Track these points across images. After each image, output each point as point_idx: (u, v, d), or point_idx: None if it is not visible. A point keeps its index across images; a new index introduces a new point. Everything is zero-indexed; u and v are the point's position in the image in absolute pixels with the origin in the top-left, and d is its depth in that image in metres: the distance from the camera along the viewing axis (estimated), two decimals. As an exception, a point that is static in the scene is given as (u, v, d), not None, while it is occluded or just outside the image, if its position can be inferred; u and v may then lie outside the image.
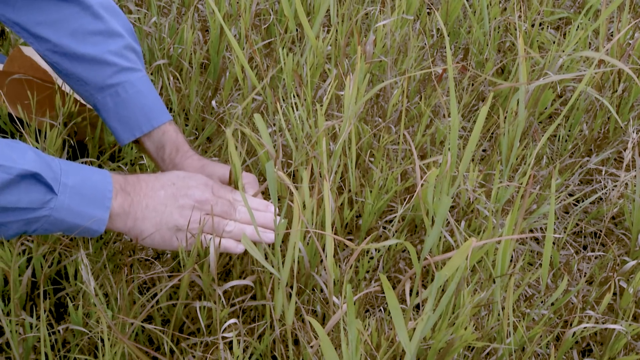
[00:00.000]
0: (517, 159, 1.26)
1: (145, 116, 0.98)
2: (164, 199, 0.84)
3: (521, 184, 1.08)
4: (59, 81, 1.08)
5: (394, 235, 1.12)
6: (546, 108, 1.51)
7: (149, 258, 1.05)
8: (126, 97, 0.97)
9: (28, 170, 0.72)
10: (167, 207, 0.84)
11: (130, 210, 0.82)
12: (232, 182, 0.95)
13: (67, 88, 1.09)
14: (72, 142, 1.12)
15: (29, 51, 1.10)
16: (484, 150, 1.44)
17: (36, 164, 0.73)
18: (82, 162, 1.11)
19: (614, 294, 1.10)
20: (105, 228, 0.80)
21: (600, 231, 1.30)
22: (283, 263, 0.83)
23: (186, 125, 1.32)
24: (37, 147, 1.00)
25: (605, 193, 1.36)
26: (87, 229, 0.78)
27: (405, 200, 1.18)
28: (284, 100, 1.25)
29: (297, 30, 1.50)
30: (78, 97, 1.10)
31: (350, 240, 1.15)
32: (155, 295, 0.97)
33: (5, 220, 0.73)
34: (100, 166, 1.14)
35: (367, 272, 1.09)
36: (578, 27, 1.63)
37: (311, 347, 0.84)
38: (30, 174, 0.72)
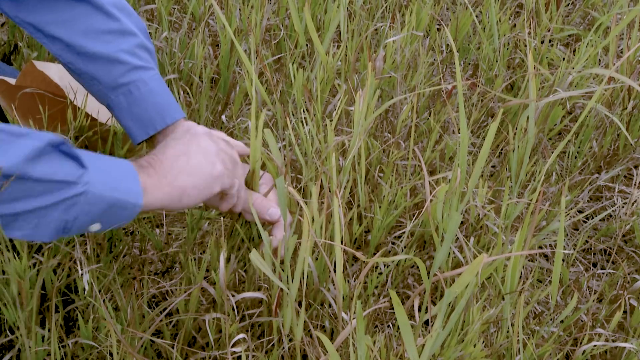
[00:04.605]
0: (526, 175, 1.26)
1: (158, 114, 0.98)
2: (184, 159, 0.86)
3: (531, 200, 1.08)
4: (71, 95, 1.09)
5: (402, 250, 1.12)
6: (556, 125, 1.51)
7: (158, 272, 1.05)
8: (139, 95, 0.97)
9: (55, 140, 0.70)
10: (190, 159, 0.85)
11: (160, 177, 0.82)
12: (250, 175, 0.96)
13: (78, 102, 1.09)
14: (83, 155, 1.13)
15: (42, 66, 1.11)
16: (493, 167, 1.44)
17: (57, 137, 0.71)
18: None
19: (624, 312, 1.09)
20: (144, 203, 0.78)
21: (610, 248, 1.30)
22: (292, 278, 0.83)
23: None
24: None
25: (615, 210, 1.35)
26: (126, 204, 0.76)
27: (414, 216, 1.18)
28: (293, 115, 1.26)
29: (307, 45, 1.51)
30: (89, 112, 1.11)
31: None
32: (165, 309, 0.97)
33: (45, 204, 0.70)
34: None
35: (376, 287, 1.08)
36: (588, 44, 1.63)
37: (320, 362, 0.84)
38: (60, 142, 0.70)
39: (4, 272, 0.91)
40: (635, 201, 1.31)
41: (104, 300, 0.89)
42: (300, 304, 0.91)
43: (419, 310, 0.94)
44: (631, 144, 1.44)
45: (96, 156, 0.76)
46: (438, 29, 1.78)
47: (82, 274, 0.88)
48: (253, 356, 0.91)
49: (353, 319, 0.83)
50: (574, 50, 1.83)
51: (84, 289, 0.95)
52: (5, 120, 1.12)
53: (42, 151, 0.69)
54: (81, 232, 0.76)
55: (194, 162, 0.85)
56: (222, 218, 1.06)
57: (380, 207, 1.10)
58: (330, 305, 1.00)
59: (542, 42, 1.74)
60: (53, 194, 0.70)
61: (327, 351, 0.74)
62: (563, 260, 1.23)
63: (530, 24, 1.70)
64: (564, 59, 1.67)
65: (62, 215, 0.72)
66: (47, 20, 0.95)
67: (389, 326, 1.07)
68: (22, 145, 0.68)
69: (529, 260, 1.23)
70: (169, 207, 0.84)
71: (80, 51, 0.96)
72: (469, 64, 1.72)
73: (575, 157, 1.46)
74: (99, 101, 1.01)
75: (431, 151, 1.28)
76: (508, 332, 0.92)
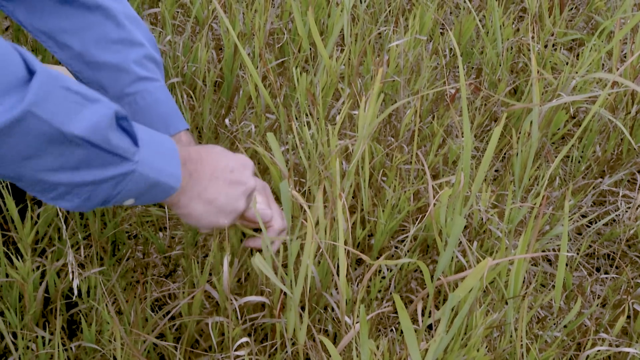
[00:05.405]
0: (530, 179, 1.26)
1: (162, 123, 0.99)
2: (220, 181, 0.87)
3: (534, 204, 1.08)
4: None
5: (406, 255, 1.12)
6: (559, 129, 1.51)
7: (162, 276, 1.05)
8: (144, 104, 0.98)
9: (120, 113, 0.71)
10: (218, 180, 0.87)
11: (193, 175, 0.83)
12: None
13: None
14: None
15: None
16: (496, 171, 1.44)
17: (122, 110, 0.72)
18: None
19: (628, 316, 1.09)
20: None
21: (614, 253, 1.29)
22: (296, 281, 0.83)
23: (199, 142, 1.33)
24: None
25: (619, 215, 1.35)
26: (164, 187, 0.78)
27: (417, 220, 1.18)
28: (297, 119, 1.26)
29: (310, 49, 1.51)
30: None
31: (362, 259, 1.15)
32: (169, 312, 0.97)
33: (100, 177, 0.71)
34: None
35: (379, 291, 1.08)
36: (591, 48, 1.63)
37: (323, 366, 0.84)
38: (123, 116, 0.71)
39: (7, 276, 0.91)
40: (639, 206, 1.30)
41: (106, 304, 0.89)
42: (303, 307, 0.90)
43: (422, 314, 0.94)
44: (635, 149, 1.44)
45: (148, 132, 0.77)
46: (441, 33, 1.78)
47: (72, 278, 0.88)
48: (256, 360, 0.91)
49: (356, 323, 0.83)
50: (578, 55, 1.83)
51: (87, 292, 0.95)
52: None
53: (110, 121, 0.69)
54: (117, 205, 0.77)
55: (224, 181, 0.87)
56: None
57: (383, 211, 1.10)
58: (333, 309, 1.00)
59: (546, 47, 1.74)
60: (109, 168, 0.71)
61: (330, 355, 0.74)
62: (566, 264, 1.22)
63: (533, 28, 1.70)
64: (567, 64, 1.67)
65: (110, 190, 0.73)
66: (60, 29, 0.96)
67: (392, 330, 1.06)
68: (94, 111, 0.68)
69: (532, 265, 1.23)
70: (194, 193, 0.85)
71: (89, 60, 0.97)
72: (473, 68, 1.72)
73: (579, 162, 1.46)
74: None
75: (434, 155, 1.28)
76: (511, 336, 0.92)
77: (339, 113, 1.11)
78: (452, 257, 1.07)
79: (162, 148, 0.78)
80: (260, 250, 0.92)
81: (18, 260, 0.87)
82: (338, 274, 0.85)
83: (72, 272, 0.87)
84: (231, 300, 0.87)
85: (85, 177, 0.70)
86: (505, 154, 1.45)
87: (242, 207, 0.87)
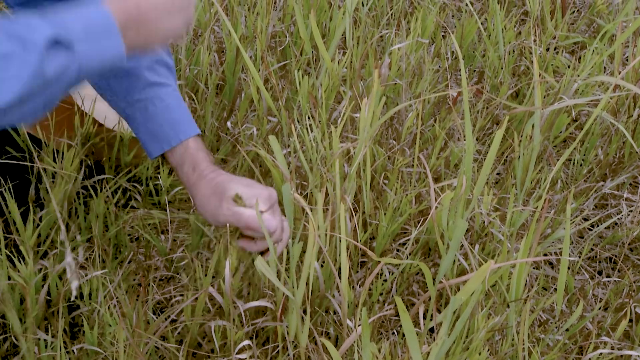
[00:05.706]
0: (531, 183, 1.26)
1: (173, 130, 0.99)
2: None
3: (536, 208, 1.07)
4: (79, 102, 1.09)
5: (407, 257, 1.12)
6: (561, 132, 1.51)
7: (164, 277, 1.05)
8: (154, 111, 0.98)
9: (49, 37, 0.68)
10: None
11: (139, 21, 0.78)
12: None
13: (86, 108, 1.10)
14: (89, 162, 1.13)
15: (49, 71, 1.11)
16: (498, 174, 1.44)
17: (49, 26, 0.69)
18: (98, 180, 1.12)
19: (630, 320, 1.09)
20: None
21: (616, 257, 1.29)
22: (298, 284, 0.83)
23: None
24: (54, 167, 1.01)
25: (621, 218, 1.35)
26: (112, 59, 0.75)
27: (419, 223, 1.18)
28: (298, 121, 1.26)
29: (312, 52, 1.51)
30: (96, 118, 1.11)
31: (364, 262, 1.15)
32: (170, 315, 0.97)
33: (49, 95, 0.70)
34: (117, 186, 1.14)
35: (381, 294, 1.08)
36: (593, 51, 1.63)
37: (324, 369, 0.84)
38: (52, 40, 0.68)
39: (9, 278, 0.91)
40: (640, 209, 1.30)
41: (109, 307, 0.89)
42: (305, 310, 0.90)
43: (424, 317, 0.94)
44: (637, 152, 1.44)
45: (79, 23, 0.72)
46: (443, 36, 1.79)
47: (70, 280, 0.88)
48: (258, 363, 0.91)
49: (358, 326, 0.83)
50: (580, 58, 1.83)
51: (89, 295, 0.95)
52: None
53: (38, 65, 0.67)
54: None
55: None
56: (227, 225, 1.06)
57: (385, 214, 1.10)
58: (335, 312, 1.00)
59: (548, 50, 1.74)
60: (57, 85, 0.70)
61: (332, 358, 0.74)
62: (568, 268, 1.22)
63: (535, 32, 1.70)
64: (569, 67, 1.67)
65: (63, 91, 0.72)
66: None
67: (393, 333, 1.06)
68: (17, 70, 0.66)
69: (534, 268, 1.23)
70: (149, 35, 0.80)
71: None
72: (474, 71, 1.72)
73: (581, 165, 1.46)
74: (118, 113, 1.01)
75: (436, 158, 1.28)
76: (513, 340, 0.92)
77: (340, 116, 1.10)
78: (454, 260, 1.07)
79: (98, 35, 0.74)
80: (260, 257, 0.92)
81: (20, 262, 0.87)
82: (340, 277, 0.85)
83: (67, 274, 0.87)
84: (235, 305, 0.87)
85: (37, 103, 0.70)
86: (507, 157, 1.45)
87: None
